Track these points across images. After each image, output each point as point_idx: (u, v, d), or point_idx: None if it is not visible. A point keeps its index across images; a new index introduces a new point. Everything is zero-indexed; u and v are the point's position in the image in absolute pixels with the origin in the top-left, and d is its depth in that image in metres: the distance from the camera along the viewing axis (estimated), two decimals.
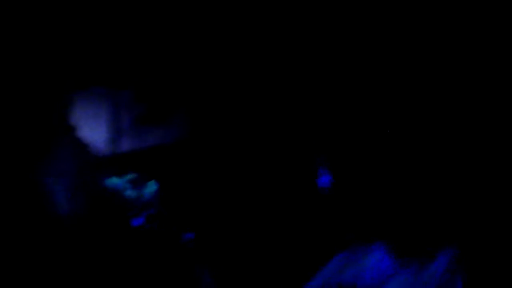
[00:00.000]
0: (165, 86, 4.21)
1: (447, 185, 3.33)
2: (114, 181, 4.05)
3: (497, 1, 3.39)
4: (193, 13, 4.28)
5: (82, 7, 4.15)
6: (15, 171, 4.00)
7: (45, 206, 4.02)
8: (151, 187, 4.06)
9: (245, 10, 4.23)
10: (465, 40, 3.55)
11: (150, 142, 4.13)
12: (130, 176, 4.07)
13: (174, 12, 4.27)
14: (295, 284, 3.23)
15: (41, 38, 4.08)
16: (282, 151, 4.18)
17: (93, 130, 4.13)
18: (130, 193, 4.05)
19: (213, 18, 4.29)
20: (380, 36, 3.94)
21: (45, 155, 4.09)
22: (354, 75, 4.07)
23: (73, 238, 3.94)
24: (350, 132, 3.58)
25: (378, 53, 4.00)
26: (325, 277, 2.73)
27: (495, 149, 3.74)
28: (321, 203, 3.43)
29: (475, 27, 3.49)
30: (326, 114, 4.02)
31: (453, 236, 2.88)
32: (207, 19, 4.28)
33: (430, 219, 3.06)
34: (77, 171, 4.10)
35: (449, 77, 3.69)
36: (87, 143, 4.12)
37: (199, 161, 4.25)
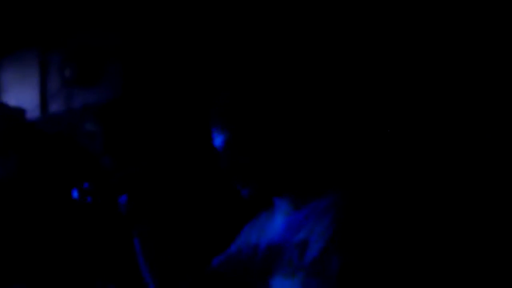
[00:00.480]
0: (94, 46, 4.15)
1: None
2: (46, 144, 3.99)
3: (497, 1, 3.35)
4: None
5: None
6: None
7: None
8: (86, 149, 4.01)
9: None
10: (465, 40, 3.50)
11: (80, 103, 4.08)
12: (61, 139, 4.01)
13: None
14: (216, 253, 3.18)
15: None
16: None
17: (21, 93, 4.05)
18: (62, 155, 3.99)
19: None
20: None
21: None
22: None
23: (6, 204, 3.89)
24: None
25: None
26: (237, 245, 2.74)
27: None
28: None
29: (475, 27, 3.45)
30: None
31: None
32: None
33: None
34: (6, 135, 4.03)
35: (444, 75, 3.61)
36: (16, 106, 4.05)
37: (130, 121, 4.22)
